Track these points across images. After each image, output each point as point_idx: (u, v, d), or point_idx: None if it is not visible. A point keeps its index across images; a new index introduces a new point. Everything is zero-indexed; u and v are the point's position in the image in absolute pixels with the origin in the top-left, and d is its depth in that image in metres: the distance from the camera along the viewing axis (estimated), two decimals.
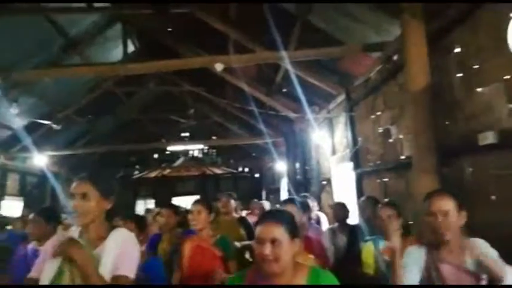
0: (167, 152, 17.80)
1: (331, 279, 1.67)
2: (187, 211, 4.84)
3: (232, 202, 4.65)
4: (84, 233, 1.80)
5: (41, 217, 2.78)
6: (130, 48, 7.72)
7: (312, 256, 2.47)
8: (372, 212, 3.65)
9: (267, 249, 1.57)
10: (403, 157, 4.20)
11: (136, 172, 17.98)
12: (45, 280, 1.67)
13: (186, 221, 3.19)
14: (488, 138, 2.79)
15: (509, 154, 2.66)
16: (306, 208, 4.16)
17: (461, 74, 3.20)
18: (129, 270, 1.74)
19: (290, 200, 2.96)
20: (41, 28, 6.23)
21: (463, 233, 1.95)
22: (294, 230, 1.66)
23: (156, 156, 18.07)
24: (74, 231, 1.85)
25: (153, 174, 18.08)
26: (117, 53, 7.58)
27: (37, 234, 2.76)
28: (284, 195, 10.85)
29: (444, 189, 2.14)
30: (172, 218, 3.63)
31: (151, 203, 17.99)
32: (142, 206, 17.31)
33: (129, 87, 9.50)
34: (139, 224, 3.46)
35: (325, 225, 4.98)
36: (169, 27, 7.05)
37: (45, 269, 1.70)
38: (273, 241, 1.58)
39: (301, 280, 1.65)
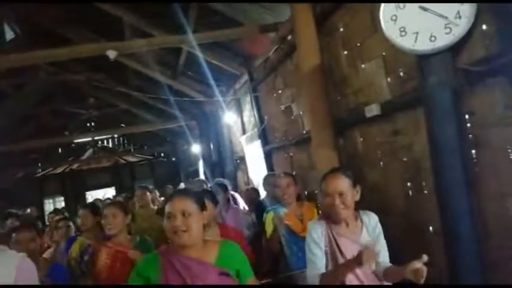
0: (73, 145, 16.57)
1: (237, 249, 1.83)
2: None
3: (148, 194, 4.63)
4: None
5: None
6: (10, 34, 6.86)
7: None
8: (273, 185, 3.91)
9: (178, 221, 1.67)
10: (304, 132, 4.43)
11: (39, 170, 16.50)
12: None
13: None
14: (373, 110, 3.01)
15: (390, 123, 2.93)
16: (225, 189, 4.29)
17: (346, 52, 3.43)
18: None
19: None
20: None
21: (356, 205, 2.08)
22: (201, 203, 1.79)
23: (60, 150, 16.71)
24: None
25: (59, 170, 16.75)
26: None
27: None
28: (202, 176, 10.87)
29: (338, 168, 2.21)
30: (88, 219, 3.41)
31: (60, 201, 16.77)
32: (51, 206, 16.09)
33: (14, 78, 8.42)
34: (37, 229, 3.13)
35: (241, 204, 5.15)
36: (53, 10, 6.32)
37: None
38: (183, 213, 1.69)
39: (213, 251, 1.76)
